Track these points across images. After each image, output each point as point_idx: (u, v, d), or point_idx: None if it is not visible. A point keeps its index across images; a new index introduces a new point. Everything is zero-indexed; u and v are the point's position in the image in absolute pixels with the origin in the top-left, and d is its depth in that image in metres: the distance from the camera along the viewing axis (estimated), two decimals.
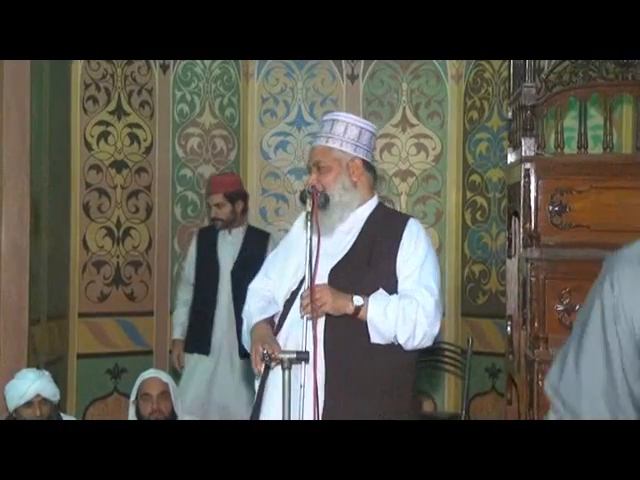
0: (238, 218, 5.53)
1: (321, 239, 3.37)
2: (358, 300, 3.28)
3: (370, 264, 3.39)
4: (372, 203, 3.54)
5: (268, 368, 3.39)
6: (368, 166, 3.53)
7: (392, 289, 3.36)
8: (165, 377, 4.76)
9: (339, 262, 3.42)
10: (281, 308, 3.49)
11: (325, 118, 3.59)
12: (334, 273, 3.39)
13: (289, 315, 3.44)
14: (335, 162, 3.46)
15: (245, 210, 5.60)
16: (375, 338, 3.32)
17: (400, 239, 3.41)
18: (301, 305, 3.27)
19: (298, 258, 3.45)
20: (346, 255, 3.43)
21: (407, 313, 3.28)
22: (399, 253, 3.39)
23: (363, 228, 3.47)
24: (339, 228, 3.46)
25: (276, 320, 3.50)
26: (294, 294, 3.46)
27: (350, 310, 3.28)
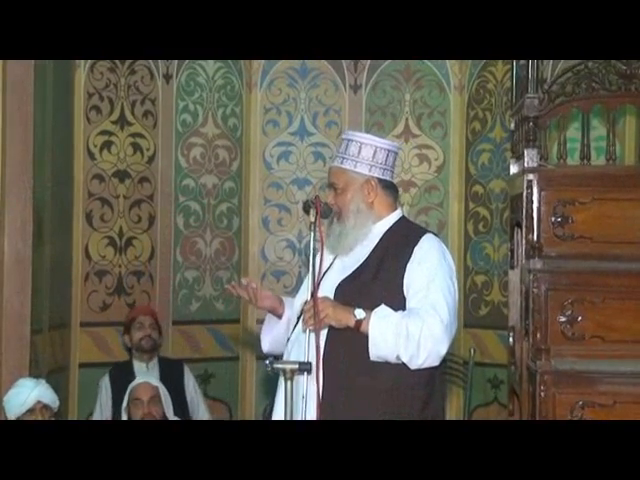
0: (156, 351, 5.50)
1: (322, 246, 3.37)
2: (360, 313, 3.25)
3: (376, 279, 3.36)
4: (392, 218, 3.50)
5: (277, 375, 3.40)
6: (386, 183, 3.50)
7: (398, 305, 3.31)
8: (155, 381, 4.79)
9: (348, 276, 3.41)
10: (294, 320, 3.50)
11: (343, 137, 3.57)
12: (341, 287, 3.38)
13: (297, 327, 3.45)
14: (349, 184, 3.45)
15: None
16: (374, 355, 3.27)
17: (410, 255, 3.36)
18: (303, 318, 3.27)
19: (317, 271, 3.43)
20: (356, 270, 3.41)
21: (410, 331, 3.21)
22: (407, 269, 3.34)
23: (378, 243, 3.44)
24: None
25: (289, 334, 3.51)
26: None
27: (352, 322, 3.26)
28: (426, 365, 3.27)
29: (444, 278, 3.36)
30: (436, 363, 3.29)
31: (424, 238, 3.41)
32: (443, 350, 3.27)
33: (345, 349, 3.31)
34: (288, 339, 3.48)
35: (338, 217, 3.46)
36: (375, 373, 3.29)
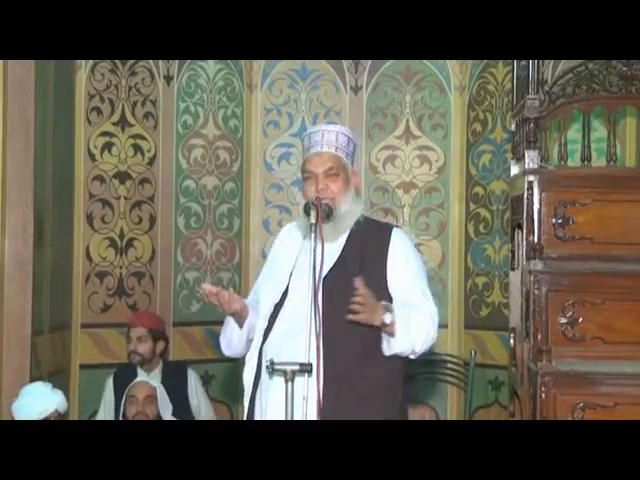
0: (156, 359, 5.47)
1: (323, 247, 3.35)
2: (389, 317, 3.29)
3: (362, 271, 3.38)
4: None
5: (256, 383, 3.45)
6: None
7: (383, 296, 3.36)
8: (154, 382, 4.81)
9: (331, 269, 3.42)
10: (265, 323, 3.50)
11: (324, 128, 3.60)
12: (328, 280, 3.38)
13: (275, 328, 3.47)
14: (343, 171, 3.52)
15: (164, 353, 5.57)
16: (391, 351, 3.36)
17: (387, 248, 3.47)
18: (351, 308, 3.22)
19: (282, 272, 3.52)
20: (337, 262, 3.45)
21: (422, 325, 3.35)
22: (388, 262, 3.45)
23: (349, 236, 3.51)
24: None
25: (259, 336, 3.51)
26: (277, 307, 3.49)
27: (377, 324, 3.30)
28: (422, 352, 3.42)
29: (422, 267, 3.55)
30: (428, 348, 3.44)
31: (395, 231, 3.54)
32: (436, 335, 3.42)
33: (344, 346, 3.35)
34: (265, 339, 3.48)
35: (328, 210, 3.45)
36: (373, 366, 3.39)
